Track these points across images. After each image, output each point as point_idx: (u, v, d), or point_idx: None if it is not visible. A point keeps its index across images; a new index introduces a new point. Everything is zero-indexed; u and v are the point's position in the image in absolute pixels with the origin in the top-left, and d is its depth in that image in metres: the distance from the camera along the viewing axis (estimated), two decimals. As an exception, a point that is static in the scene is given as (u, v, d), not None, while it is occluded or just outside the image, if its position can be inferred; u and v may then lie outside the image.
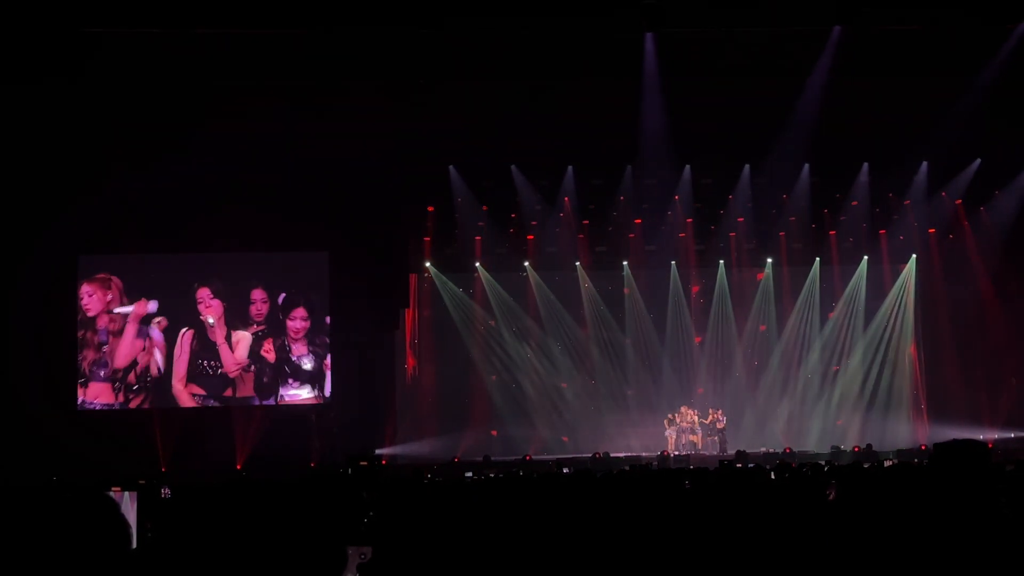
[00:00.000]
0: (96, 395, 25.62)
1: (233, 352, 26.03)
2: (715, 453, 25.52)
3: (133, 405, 25.74)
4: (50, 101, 22.63)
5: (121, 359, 25.80)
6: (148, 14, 20.78)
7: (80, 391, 25.52)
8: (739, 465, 17.98)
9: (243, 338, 26.14)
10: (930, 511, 4.05)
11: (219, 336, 26.04)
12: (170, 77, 22.62)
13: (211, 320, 25.99)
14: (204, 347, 26.01)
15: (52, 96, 22.55)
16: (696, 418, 26.81)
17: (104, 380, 25.66)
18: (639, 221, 27.93)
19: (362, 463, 20.70)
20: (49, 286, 24.93)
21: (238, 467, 24.57)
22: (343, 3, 20.95)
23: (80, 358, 25.63)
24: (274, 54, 22.27)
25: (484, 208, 27.08)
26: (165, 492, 10.47)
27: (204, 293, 26.10)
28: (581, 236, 27.91)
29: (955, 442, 4.11)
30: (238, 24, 21.33)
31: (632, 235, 28.09)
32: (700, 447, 26.53)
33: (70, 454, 22.57)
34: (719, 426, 26.61)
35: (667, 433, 26.75)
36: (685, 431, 26.72)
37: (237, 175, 24.33)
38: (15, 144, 23.42)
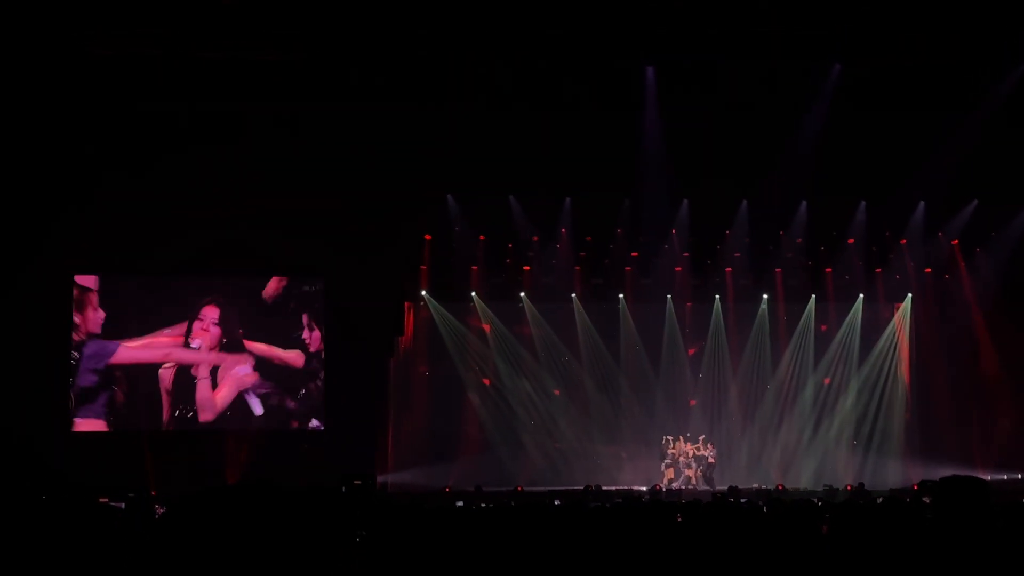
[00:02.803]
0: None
1: (215, 391, 26.01)
2: (705, 488, 25.42)
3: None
4: (47, 118, 22.69)
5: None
6: (145, 33, 20.89)
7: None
8: (732, 500, 17.90)
9: (231, 377, 26.11)
10: (928, 546, 4.01)
11: (202, 370, 25.98)
12: (167, 98, 22.69)
13: (196, 343, 25.89)
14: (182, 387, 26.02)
15: (49, 113, 22.61)
16: (692, 451, 26.70)
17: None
18: (636, 254, 27.92)
19: (356, 482, 20.59)
20: (44, 305, 24.86)
21: (227, 491, 24.41)
22: (341, 26, 21.06)
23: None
24: (271, 76, 22.35)
25: (481, 238, 27.08)
26: (160, 511, 10.36)
27: (210, 312, 26.04)
28: (577, 268, 27.87)
29: (955, 478, 4.07)
30: (235, 45, 21.43)
31: (628, 268, 28.08)
32: (694, 481, 26.44)
33: (59, 475, 22.46)
34: (710, 460, 26.51)
35: (663, 468, 26.60)
36: (679, 464, 26.60)
37: (233, 199, 24.33)
38: (11, 161, 23.43)
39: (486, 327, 27.79)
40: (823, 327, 28.59)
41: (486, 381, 27.86)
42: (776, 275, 28.25)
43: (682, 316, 28.66)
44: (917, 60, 22.26)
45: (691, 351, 28.74)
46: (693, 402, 28.52)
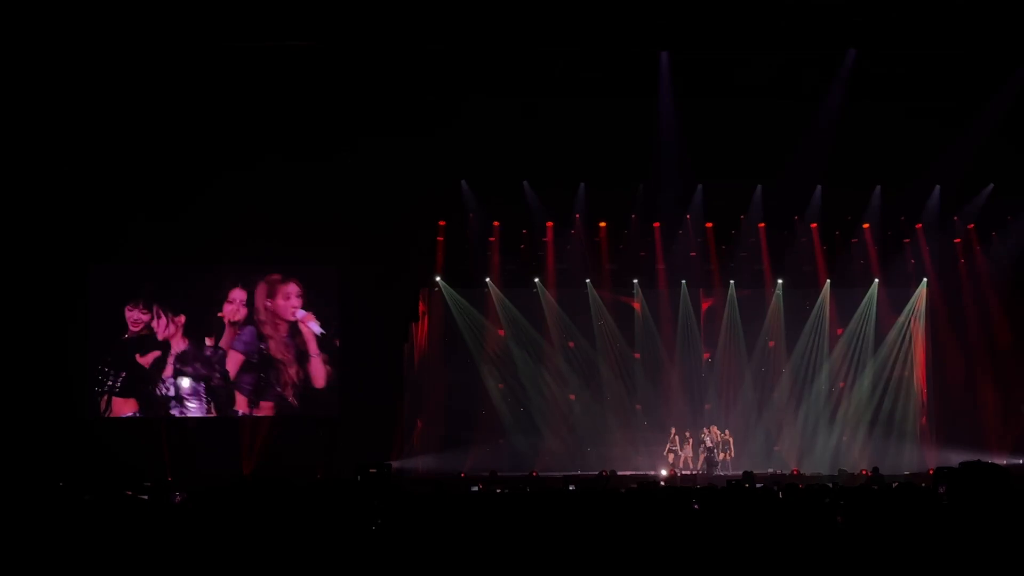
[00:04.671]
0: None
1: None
2: (720, 473, 25.48)
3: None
4: (63, 110, 22.80)
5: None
6: (163, 23, 20.93)
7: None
8: (747, 486, 17.92)
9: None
10: (944, 531, 4.00)
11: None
12: (181, 88, 22.76)
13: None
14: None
15: (65, 104, 22.72)
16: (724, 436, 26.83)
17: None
18: (650, 240, 27.88)
19: (372, 470, 20.64)
20: (61, 295, 24.99)
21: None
22: (357, 19, 21.06)
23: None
24: (287, 69, 22.37)
25: (495, 223, 27.11)
26: (179, 497, 10.42)
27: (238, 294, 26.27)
28: (592, 253, 27.85)
29: (974, 464, 4.07)
30: (255, 38, 21.47)
31: (643, 253, 28.03)
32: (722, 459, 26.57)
33: (77, 462, 22.67)
34: (708, 444, 26.58)
35: (682, 451, 26.67)
36: (714, 447, 26.69)
37: (248, 187, 24.40)
38: (30, 152, 23.55)
39: (500, 332, 27.82)
40: (839, 331, 28.45)
41: (500, 387, 27.83)
42: (791, 260, 28.17)
43: (697, 301, 28.61)
44: (933, 49, 22.12)
45: (706, 355, 28.65)
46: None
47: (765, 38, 21.72)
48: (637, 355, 28.42)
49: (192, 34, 21.17)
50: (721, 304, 28.52)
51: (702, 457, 26.55)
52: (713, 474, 25.45)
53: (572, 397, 28.10)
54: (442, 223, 27.09)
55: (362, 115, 23.75)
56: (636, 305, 28.43)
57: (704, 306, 28.82)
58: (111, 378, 25.67)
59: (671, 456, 26.73)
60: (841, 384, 28.36)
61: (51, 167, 23.99)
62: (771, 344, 28.59)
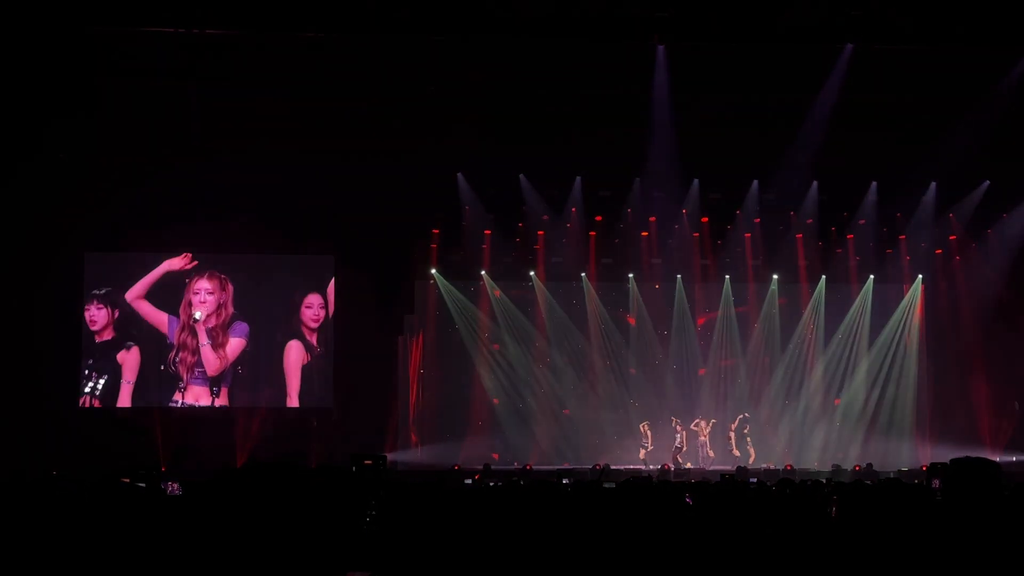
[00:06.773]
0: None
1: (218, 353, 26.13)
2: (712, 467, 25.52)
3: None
4: (58, 101, 22.78)
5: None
6: (157, 14, 20.94)
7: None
8: (740, 480, 17.95)
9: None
10: (936, 526, 4.01)
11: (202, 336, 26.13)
12: (178, 78, 22.75)
13: (198, 315, 25.97)
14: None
15: (60, 96, 22.70)
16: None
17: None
18: (646, 234, 27.86)
19: (367, 462, 20.65)
20: (55, 283, 24.95)
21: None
22: (355, 11, 21.04)
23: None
24: (283, 58, 22.36)
25: (491, 216, 27.10)
26: (173, 488, 10.41)
27: (201, 285, 26.09)
28: (588, 247, 27.84)
29: (966, 459, 4.08)
30: (249, 26, 21.45)
31: (639, 248, 28.01)
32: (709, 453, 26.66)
33: (69, 452, 22.69)
34: (677, 443, 26.65)
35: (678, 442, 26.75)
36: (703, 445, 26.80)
37: (244, 176, 24.39)
38: (26, 140, 23.51)
39: (496, 346, 27.84)
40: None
41: (496, 346, 27.78)
42: (786, 256, 28.17)
43: (692, 295, 28.58)
44: (929, 42, 22.10)
45: (702, 371, 28.59)
46: (703, 371, 28.50)
47: (762, 31, 21.70)
48: (633, 371, 28.37)
49: (189, 22, 21.19)
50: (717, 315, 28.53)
51: (673, 453, 26.58)
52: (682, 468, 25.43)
53: (567, 412, 28.04)
54: (438, 215, 27.10)
55: (360, 107, 23.74)
56: (632, 320, 28.41)
57: (700, 321, 28.76)
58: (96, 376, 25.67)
59: (642, 452, 26.74)
60: (836, 400, 28.37)
61: (48, 154, 24.01)
62: (765, 360, 28.55)
